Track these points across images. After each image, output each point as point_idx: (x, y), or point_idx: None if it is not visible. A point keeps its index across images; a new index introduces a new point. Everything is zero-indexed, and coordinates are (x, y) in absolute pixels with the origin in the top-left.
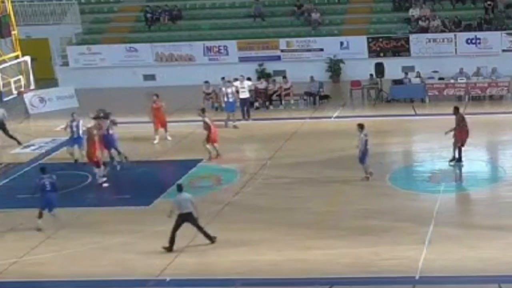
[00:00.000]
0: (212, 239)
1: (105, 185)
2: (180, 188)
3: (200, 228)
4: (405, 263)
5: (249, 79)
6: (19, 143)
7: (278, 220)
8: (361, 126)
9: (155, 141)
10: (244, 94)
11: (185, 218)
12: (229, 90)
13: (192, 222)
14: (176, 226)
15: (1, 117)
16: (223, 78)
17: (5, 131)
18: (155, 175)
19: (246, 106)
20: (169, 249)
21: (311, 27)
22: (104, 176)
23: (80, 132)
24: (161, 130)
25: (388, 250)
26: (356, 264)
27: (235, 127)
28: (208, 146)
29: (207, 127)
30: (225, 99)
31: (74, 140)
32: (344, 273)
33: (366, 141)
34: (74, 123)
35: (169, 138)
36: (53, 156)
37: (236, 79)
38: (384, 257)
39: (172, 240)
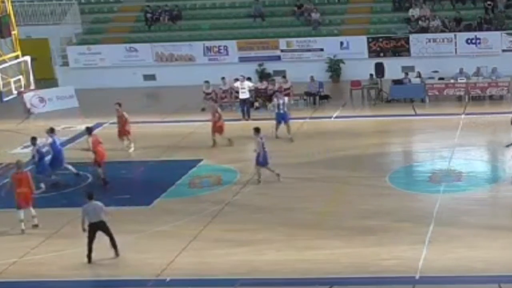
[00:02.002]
0: (117, 253)
1: None
2: (90, 197)
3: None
4: (405, 263)
5: (249, 79)
6: None
7: (278, 220)
8: (257, 130)
9: (131, 150)
10: (244, 95)
11: (96, 227)
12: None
13: (104, 230)
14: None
15: None
16: (223, 78)
17: None
18: (155, 175)
19: (246, 106)
20: (88, 260)
21: (311, 27)
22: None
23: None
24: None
25: (388, 250)
26: (356, 264)
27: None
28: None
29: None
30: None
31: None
32: (344, 273)
33: (263, 144)
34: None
35: (131, 149)
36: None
37: (236, 79)
38: (384, 257)
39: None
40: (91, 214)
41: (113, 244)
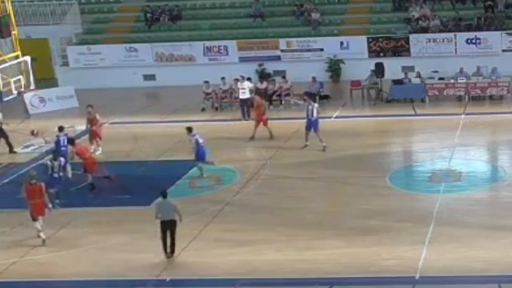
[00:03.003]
0: (171, 255)
1: None
2: (164, 194)
3: None
4: (405, 263)
5: (249, 79)
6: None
7: (278, 220)
8: (189, 129)
9: (98, 152)
10: (244, 95)
11: (167, 225)
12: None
13: (171, 230)
14: None
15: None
16: (223, 78)
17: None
18: (155, 175)
19: (246, 106)
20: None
21: (311, 27)
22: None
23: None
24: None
25: (388, 250)
26: (356, 264)
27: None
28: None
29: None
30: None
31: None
32: (344, 273)
33: (196, 140)
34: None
35: (98, 151)
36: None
37: (236, 80)
38: (384, 257)
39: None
40: (164, 211)
41: (172, 245)
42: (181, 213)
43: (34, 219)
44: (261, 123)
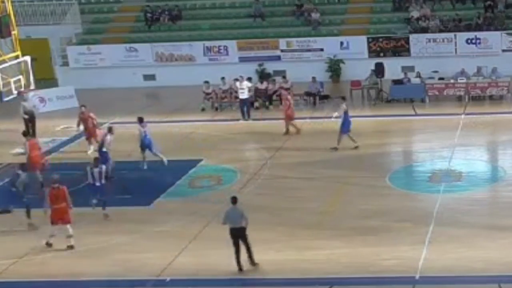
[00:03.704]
0: (253, 263)
1: None
2: (234, 201)
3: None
4: (405, 263)
5: (249, 79)
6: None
7: (278, 220)
8: (140, 119)
9: (89, 151)
10: (244, 95)
11: (237, 233)
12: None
13: (242, 238)
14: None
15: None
16: (223, 78)
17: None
18: (156, 175)
19: (246, 106)
20: (240, 269)
21: (311, 27)
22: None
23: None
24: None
25: (388, 250)
26: (356, 264)
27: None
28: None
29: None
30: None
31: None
32: (344, 273)
33: (144, 131)
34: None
35: (90, 150)
36: (53, 156)
37: (236, 80)
38: (384, 257)
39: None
40: (232, 219)
41: (249, 255)
42: (248, 218)
43: (53, 223)
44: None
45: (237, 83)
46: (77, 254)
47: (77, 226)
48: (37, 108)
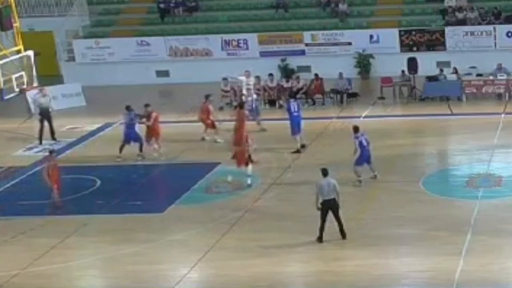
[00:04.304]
0: (344, 235)
1: None
2: (325, 173)
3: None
4: (440, 275)
5: (271, 75)
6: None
7: (302, 228)
8: (128, 108)
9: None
10: (250, 92)
11: (329, 205)
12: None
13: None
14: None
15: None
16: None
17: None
18: (169, 180)
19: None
20: (319, 239)
21: (338, 19)
22: None
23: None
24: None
25: (422, 261)
26: (387, 276)
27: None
28: None
29: None
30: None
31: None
32: (375, 286)
33: (132, 119)
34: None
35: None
36: (59, 159)
37: (246, 72)
38: (417, 269)
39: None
40: (325, 190)
41: (340, 227)
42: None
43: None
44: None
45: (243, 78)
46: (84, 266)
47: (83, 235)
48: (52, 104)
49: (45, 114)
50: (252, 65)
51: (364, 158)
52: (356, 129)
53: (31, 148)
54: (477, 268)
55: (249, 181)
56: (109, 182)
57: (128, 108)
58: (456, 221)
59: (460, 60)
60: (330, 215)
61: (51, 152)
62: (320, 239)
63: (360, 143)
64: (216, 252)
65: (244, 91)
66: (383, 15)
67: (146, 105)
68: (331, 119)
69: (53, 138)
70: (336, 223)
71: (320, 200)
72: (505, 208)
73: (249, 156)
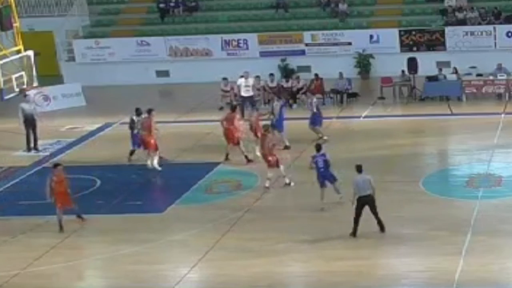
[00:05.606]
0: (383, 228)
1: None
2: (359, 169)
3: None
4: (440, 275)
5: (272, 74)
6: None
7: (303, 228)
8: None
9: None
10: (248, 92)
11: (365, 201)
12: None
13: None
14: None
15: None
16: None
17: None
18: (169, 179)
19: (251, 105)
20: (353, 234)
21: (338, 19)
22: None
23: None
24: None
25: (422, 261)
26: (387, 276)
27: None
28: None
29: None
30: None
31: None
32: (375, 286)
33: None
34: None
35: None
36: (58, 159)
37: (242, 76)
38: (417, 269)
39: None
40: (361, 187)
41: (378, 221)
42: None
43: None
44: None
45: (242, 80)
46: (83, 266)
47: (82, 235)
48: (37, 110)
49: (30, 121)
50: (252, 65)
51: (320, 179)
52: (317, 147)
53: (31, 149)
54: (477, 268)
55: (287, 181)
56: (109, 182)
57: (137, 111)
58: (456, 221)
59: (460, 60)
60: (330, 215)
61: (55, 165)
62: (354, 233)
63: (316, 163)
64: (216, 252)
65: (243, 93)
66: (383, 15)
67: (149, 110)
68: (331, 119)
69: (35, 148)
70: (373, 217)
71: (356, 197)
72: (505, 208)
73: (277, 160)
